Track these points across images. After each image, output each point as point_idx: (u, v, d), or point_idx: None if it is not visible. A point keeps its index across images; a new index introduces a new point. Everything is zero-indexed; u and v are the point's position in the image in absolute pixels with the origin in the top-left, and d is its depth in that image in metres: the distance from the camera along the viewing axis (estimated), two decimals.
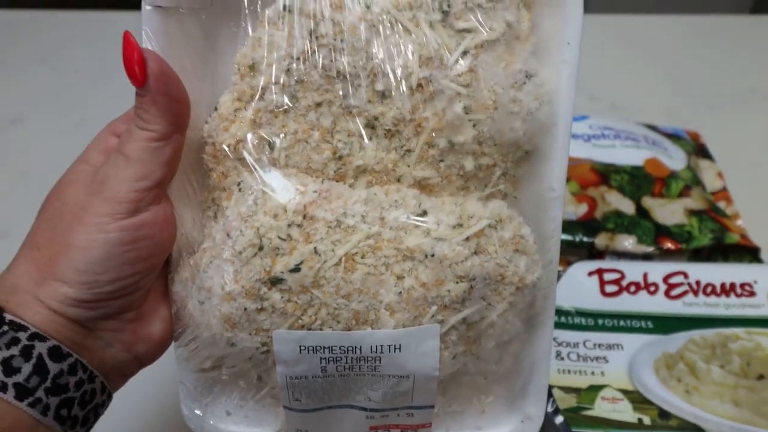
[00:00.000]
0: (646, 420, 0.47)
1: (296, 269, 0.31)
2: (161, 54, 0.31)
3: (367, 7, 0.31)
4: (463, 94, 0.31)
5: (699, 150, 0.73)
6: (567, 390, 0.49)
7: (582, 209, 0.62)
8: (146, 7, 0.32)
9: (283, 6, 0.32)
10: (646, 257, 0.60)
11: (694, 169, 0.68)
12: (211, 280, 0.32)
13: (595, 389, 0.49)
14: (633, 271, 0.56)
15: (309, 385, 0.34)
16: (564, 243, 0.60)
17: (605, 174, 0.65)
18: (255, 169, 0.32)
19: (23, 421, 0.29)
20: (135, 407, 0.51)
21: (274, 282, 0.31)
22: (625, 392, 0.49)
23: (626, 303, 0.54)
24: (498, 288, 0.33)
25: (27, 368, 0.29)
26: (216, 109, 0.34)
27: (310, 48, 0.31)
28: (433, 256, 0.31)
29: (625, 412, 0.47)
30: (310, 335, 0.32)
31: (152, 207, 0.32)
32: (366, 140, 0.32)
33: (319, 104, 0.32)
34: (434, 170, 0.33)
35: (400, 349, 0.32)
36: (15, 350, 0.29)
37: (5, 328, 0.30)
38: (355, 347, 0.32)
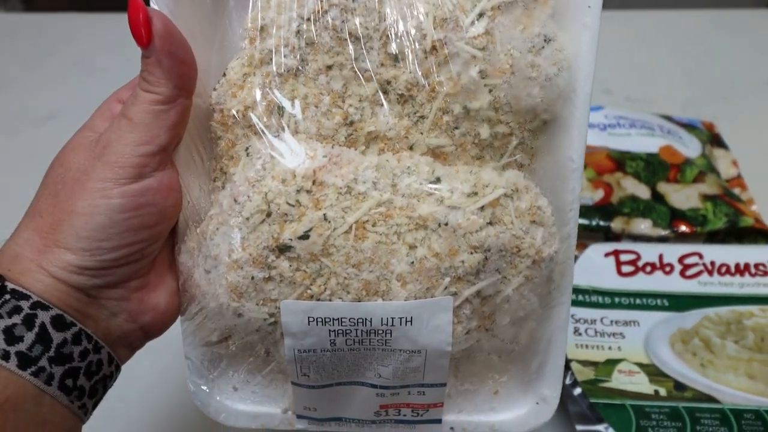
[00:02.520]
0: (662, 391, 0.48)
1: (305, 236, 0.30)
2: (169, 17, 0.30)
3: None
4: (478, 57, 0.30)
5: (714, 139, 0.74)
6: (585, 363, 0.50)
7: (598, 195, 0.64)
8: None
9: None
10: (661, 240, 0.61)
11: (708, 157, 0.69)
12: (218, 248, 0.31)
13: (612, 363, 0.50)
14: (649, 252, 0.57)
15: (318, 359, 0.33)
16: (581, 227, 0.61)
17: (621, 161, 0.66)
18: (264, 133, 0.31)
19: (26, 390, 0.28)
20: (141, 384, 0.51)
21: (282, 249, 0.30)
22: (641, 365, 0.50)
23: (642, 282, 0.56)
24: (513, 260, 0.32)
25: (29, 337, 0.29)
26: (224, 74, 0.33)
27: (321, 8, 0.30)
28: (446, 225, 0.30)
29: (641, 384, 0.49)
30: (319, 306, 0.31)
31: (157, 173, 0.31)
32: (379, 105, 0.31)
33: (329, 67, 0.31)
34: (448, 138, 0.32)
35: (411, 322, 0.31)
36: (17, 319, 0.29)
37: (7, 296, 0.29)
38: (366, 319, 0.31)
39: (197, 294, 0.33)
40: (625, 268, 0.56)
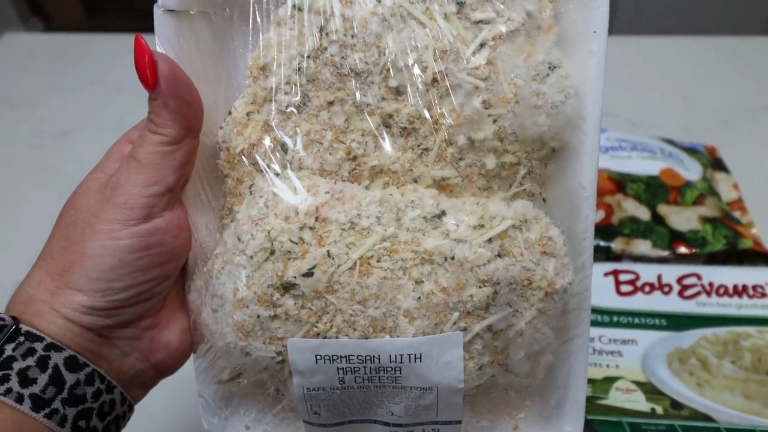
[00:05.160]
0: (659, 409, 0.49)
1: (309, 273, 0.30)
2: (174, 58, 0.31)
3: (378, 0, 0.30)
4: (481, 87, 0.30)
5: (715, 163, 0.75)
6: None
7: (599, 215, 0.65)
8: (158, 10, 0.31)
9: (293, 5, 0.31)
10: (660, 261, 0.62)
11: (709, 180, 0.70)
12: (224, 287, 0.31)
13: (609, 380, 0.51)
14: (648, 272, 0.58)
15: (327, 397, 0.32)
16: None
17: (621, 182, 0.67)
18: (266, 171, 0.31)
19: None
20: (154, 425, 0.51)
21: (287, 287, 0.30)
22: (638, 384, 0.51)
23: (641, 302, 0.56)
24: (525, 293, 0.31)
25: (43, 379, 0.29)
26: (230, 113, 0.33)
27: (321, 45, 0.30)
28: (453, 258, 0.30)
29: (638, 402, 0.50)
30: (325, 344, 0.30)
31: (165, 213, 0.31)
32: (381, 139, 0.31)
33: (331, 103, 0.31)
34: (454, 169, 0.31)
35: (421, 358, 0.30)
36: (31, 361, 0.29)
37: (21, 338, 0.29)
38: (373, 356, 0.30)
39: (206, 333, 0.33)
40: (624, 288, 0.57)
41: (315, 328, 0.30)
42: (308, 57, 0.31)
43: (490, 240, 0.30)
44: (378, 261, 0.30)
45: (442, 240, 0.30)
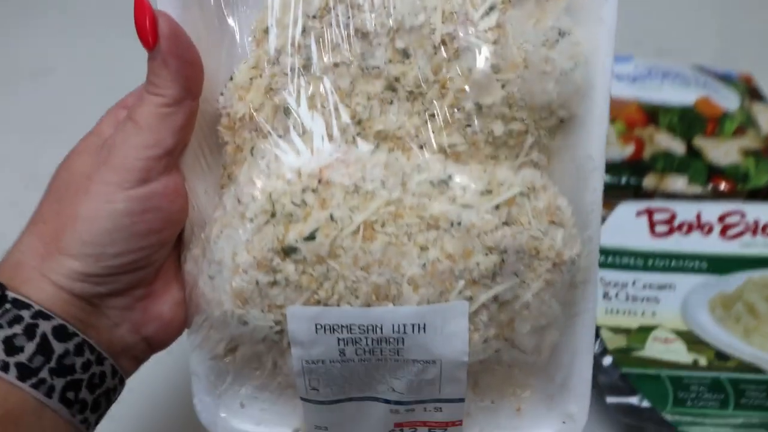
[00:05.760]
0: (702, 361, 0.44)
1: (311, 237, 0.28)
2: (176, 20, 0.29)
3: None
4: (490, 51, 0.29)
5: (752, 92, 0.68)
6: (616, 330, 0.46)
7: (628, 150, 0.59)
8: None
9: None
10: (698, 198, 0.57)
11: (747, 111, 0.64)
12: (222, 252, 0.30)
13: (645, 330, 0.46)
14: (685, 210, 0.53)
15: (327, 371, 0.31)
16: (608, 185, 0.57)
17: (653, 114, 0.61)
18: (270, 133, 0.30)
19: (27, 403, 0.27)
20: (144, 401, 0.48)
21: (288, 252, 0.29)
22: (678, 333, 0.46)
23: (678, 243, 0.51)
24: (532, 263, 0.30)
25: (30, 347, 0.27)
26: (231, 78, 0.32)
27: (327, 4, 0.30)
28: (459, 224, 0.29)
29: (678, 353, 0.45)
30: (326, 312, 0.29)
31: (162, 177, 0.30)
32: (387, 103, 0.30)
33: (336, 65, 0.30)
34: (461, 136, 0.30)
35: (424, 329, 0.29)
36: (18, 329, 0.27)
37: (8, 306, 0.28)
38: (376, 326, 0.29)
39: (202, 303, 0.32)
40: (660, 228, 0.52)
41: (316, 296, 0.29)
42: (314, 17, 0.30)
43: (497, 207, 0.29)
44: (382, 226, 0.29)
45: (449, 205, 0.29)
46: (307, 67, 0.30)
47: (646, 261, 0.50)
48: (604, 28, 0.30)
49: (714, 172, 0.57)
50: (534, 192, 0.30)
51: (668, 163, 0.58)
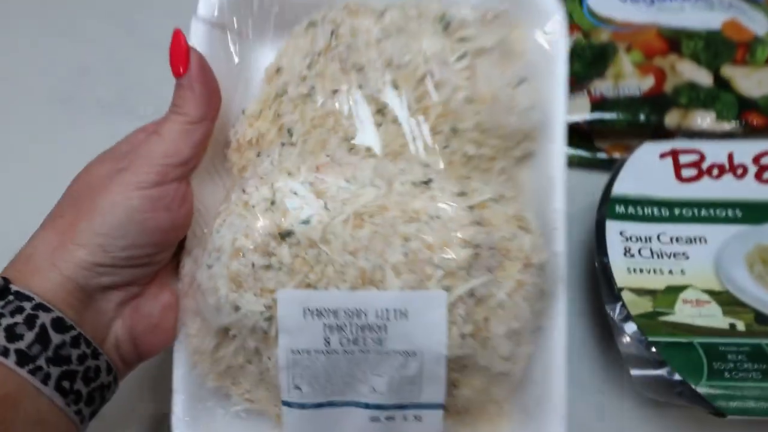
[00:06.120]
0: (740, 325, 0.39)
1: (306, 221, 0.32)
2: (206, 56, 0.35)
3: (380, 16, 0.36)
4: (464, 86, 0.35)
5: None
6: (640, 292, 0.40)
7: (647, 83, 0.52)
8: (196, 20, 0.37)
9: (308, 22, 0.37)
10: (727, 136, 0.50)
11: None
12: (222, 239, 0.33)
13: (674, 290, 0.40)
14: (715, 151, 0.46)
15: (312, 364, 0.32)
16: (626, 123, 0.50)
17: (675, 40, 0.54)
18: (273, 142, 0.35)
19: (24, 388, 0.29)
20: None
21: (284, 235, 0.32)
22: (711, 293, 0.40)
23: (708, 189, 0.45)
24: (504, 263, 0.33)
25: (29, 336, 0.29)
26: (243, 112, 0.37)
27: (330, 44, 0.36)
28: (438, 218, 0.32)
29: (713, 317, 0.39)
30: (314, 295, 0.31)
31: (174, 183, 0.33)
32: (376, 125, 0.35)
33: (335, 92, 0.35)
34: (439, 155, 0.35)
35: (406, 315, 0.31)
36: (19, 318, 0.30)
37: (11, 297, 0.30)
38: (360, 311, 0.31)
39: (197, 295, 0.34)
40: (687, 172, 0.45)
41: (306, 279, 0.32)
42: (318, 54, 0.36)
43: (471, 207, 0.33)
44: (370, 217, 0.32)
45: (429, 202, 0.32)
46: (309, 95, 0.35)
47: (672, 211, 0.44)
48: (557, 81, 0.37)
49: (745, 106, 0.50)
50: (504, 199, 0.34)
51: (693, 97, 0.51)
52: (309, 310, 0.31)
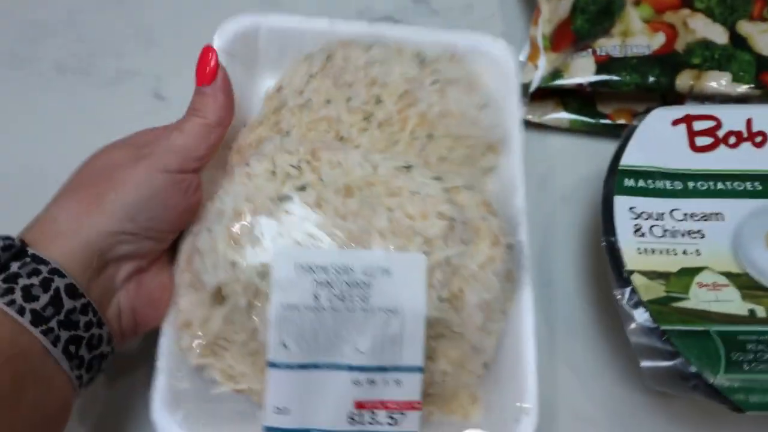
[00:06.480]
0: (760, 311, 0.36)
1: (302, 188, 0.36)
2: None
3: (368, 49, 0.43)
4: (438, 102, 0.42)
5: None
6: (651, 275, 0.37)
7: (658, 40, 0.48)
8: (217, 49, 0.41)
9: (307, 54, 0.44)
10: (743, 100, 0.46)
11: None
12: (224, 204, 0.36)
13: (688, 273, 0.37)
14: (732, 117, 0.42)
15: (300, 321, 0.34)
16: (633, 85, 0.46)
17: None
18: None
19: (35, 347, 0.30)
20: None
21: (282, 199, 0.35)
22: (729, 276, 0.37)
23: (725, 159, 0.41)
24: (475, 239, 0.37)
25: (44, 298, 0.31)
26: (245, 125, 0.43)
27: (326, 66, 0.43)
28: (418, 193, 0.37)
29: (731, 302, 0.36)
30: (307, 252, 0.34)
31: (190, 174, 0.37)
32: (363, 130, 0.41)
33: (328, 101, 0.42)
34: (417, 157, 0.41)
35: (390, 274, 0.34)
36: (35, 280, 0.31)
37: (27, 259, 0.31)
38: (348, 268, 0.34)
39: (195, 261, 0.36)
40: (701, 140, 0.41)
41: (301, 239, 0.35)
42: (315, 74, 0.43)
43: (446, 189, 0.38)
44: (359, 189, 0.36)
45: (410, 181, 0.37)
46: (306, 105, 0.42)
47: (686, 184, 0.40)
48: (513, 109, 0.44)
49: (765, 66, 0.46)
50: (473, 188, 0.39)
51: (707, 56, 0.47)
52: (301, 265, 0.34)
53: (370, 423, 0.35)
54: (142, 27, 0.53)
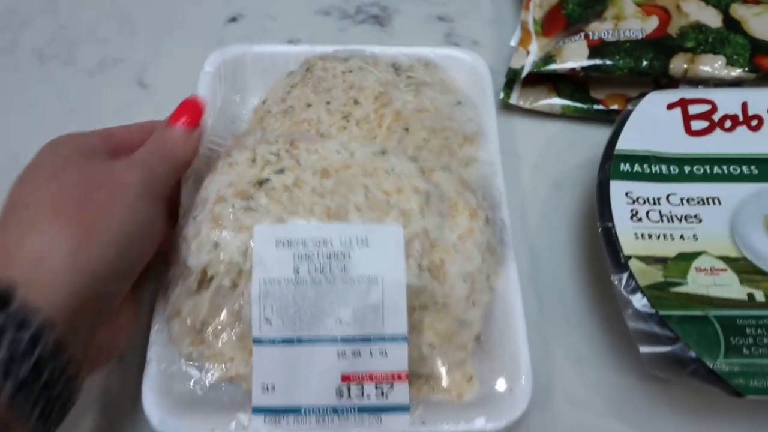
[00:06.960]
0: (759, 295, 0.35)
1: (281, 171, 0.38)
2: (209, 95, 0.45)
3: (345, 60, 0.47)
4: (413, 101, 0.45)
5: None
6: (649, 261, 0.36)
7: (651, 24, 0.47)
8: (204, 71, 0.47)
9: (289, 72, 0.49)
10: (737, 83, 0.45)
11: None
12: (207, 191, 0.37)
13: (686, 258, 0.37)
14: (727, 100, 0.42)
15: (282, 295, 0.35)
16: (626, 69, 0.46)
17: None
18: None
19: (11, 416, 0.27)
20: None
21: (262, 182, 0.37)
22: (727, 260, 0.36)
23: (720, 143, 0.41)
24: (453, 212, 0.38)
25: (26, 366, 0.27)
26: (232, 136, 0.44)
27: (305, 77, 0.46)
28: (393, 170, 0.38)
29: (729, 286, 0.35)
30: (286, 228, 0.35)
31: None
32: (342, 129, 0.43)
33: (308, 105, 0.45)
34: (395, 148, 0.42)
35: (367, 243, 0.35)
36: (25, 335, 0.27)
37: (15, 309, 0.28)
38: (327, 240, 0.35)
39: (181, 249, 0.37)
40: (697, 124, 0.41)
41: (280, 216, 0.36)
42: (294, 86, 0.46)
43: (421, 169, 0.39)
44: (336, 171, 0.38)
45: (386, 163, 0.39)
46: (287, 112, 0.45)
47: (682, 168, 0.40)
48: (489, 107, 0.47)
49: (759, 50, 0.46)
50: (449, 169, 0.41)
51: (701, 40, 0.46)
52: (281, 240, 0.35)
53: (358, 397, 0.34)
54: (124, 14, 0.52)
